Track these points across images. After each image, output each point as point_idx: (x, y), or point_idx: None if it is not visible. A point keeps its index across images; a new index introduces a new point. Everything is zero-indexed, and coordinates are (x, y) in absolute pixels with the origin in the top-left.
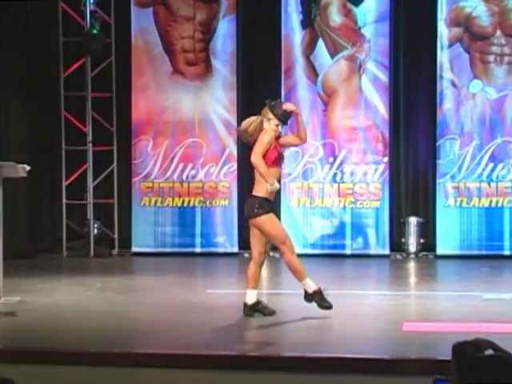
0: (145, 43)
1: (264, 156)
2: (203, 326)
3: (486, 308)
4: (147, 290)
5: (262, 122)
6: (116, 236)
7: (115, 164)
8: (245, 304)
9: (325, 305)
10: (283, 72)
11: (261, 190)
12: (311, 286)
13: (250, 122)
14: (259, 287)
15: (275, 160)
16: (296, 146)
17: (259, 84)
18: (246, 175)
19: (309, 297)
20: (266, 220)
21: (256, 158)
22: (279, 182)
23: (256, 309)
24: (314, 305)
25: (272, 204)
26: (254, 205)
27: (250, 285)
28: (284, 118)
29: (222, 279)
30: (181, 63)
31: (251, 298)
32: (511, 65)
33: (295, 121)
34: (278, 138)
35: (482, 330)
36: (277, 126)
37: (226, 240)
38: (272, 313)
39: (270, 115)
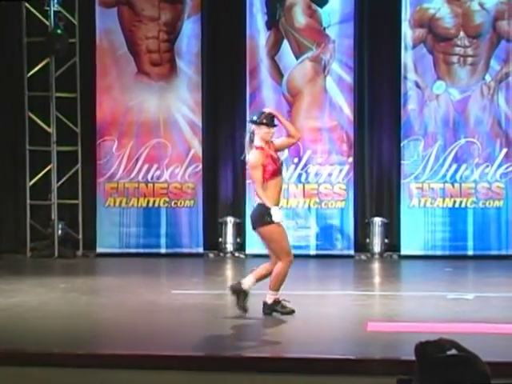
0: (109, 43)
1: (263, 173)
2: (168, 327)
3: (450, 308)
4: (112, 291)
5: (252, 141)
6: (80, 237)
7: (80, 164)
8: (266, 300)
9: (286, 311)
10: (248, 73)
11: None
12: (271, 298)
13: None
14: (222, 288)
15: (274, 172)
16: (292, 144)
17: (224, 84)
18: (211, 176)
19: (269, 307)
20: (274, 229)
21: (257, 189)
22: (281, 189)
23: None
24: None
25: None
26: (263, 213)
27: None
28: (270, 120)
29: (187, 280)
30: (145, 64)
31: (270, 298)
32: (474, 66)
33: (279, 123)
34: (272, 148)
35: (446, 329)
36: (268, 129)
37: (190, 241)
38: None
39: (258, 127)
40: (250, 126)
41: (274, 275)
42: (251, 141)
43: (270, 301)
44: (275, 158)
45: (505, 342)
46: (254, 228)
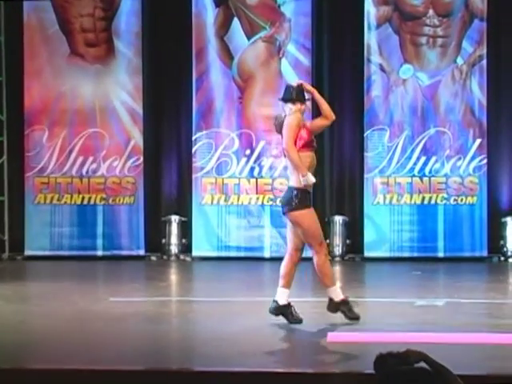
0: (39, 21)
1: (295, 140)
2: (105, 339)
3: (418, 316)
4: (42, 299)
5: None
6: (6, 238)
7: (5, 157)
8: (275, 302)
9: (352, 316)
10: (194, 54)
11: (299, 180)
12: (339, 295)
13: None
14: (165, 295)
15: (307, 143)
16: (326, 126)
17: (167, 68)
18: (153, 170)
19: (335, 306)
20: (306, 214)
21: (288, 145)
22: (314, 168)
23: (284, 312)
24: (229, 314)
25: (310, 197)
26: (292, 196)
27: (282, 282)
28: (300, 94)
29: (127, 285)
30: (80, 44)
31: (282, 298)
32: (445, 47)
33: (314, 101)
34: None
35: (414, 340)
36: (295, 105)
37: (130, 242)
38: (299, 321)
39: (286, 105)
40: (282, 106)
41: (319, 271)
42: (281, 121)
43: (337, 299)
44: (310, 130)
45: (479, 353)
46: (284, 213)
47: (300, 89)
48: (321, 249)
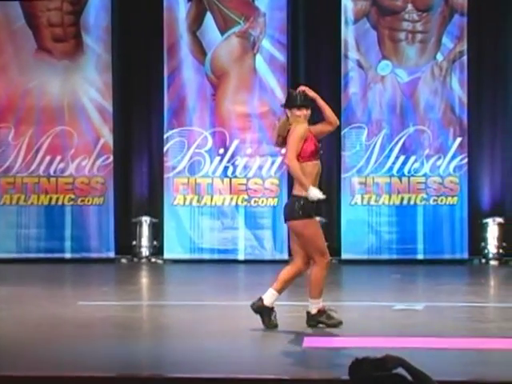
0: (4, 16)
1: (300, 151)
2: (74, 344)
3: (397, 320)
4: (8, 303)
5: (288, 121)
6: None
7: None
8: (261, 300)
9: (332, 323)
10: (166, 50)
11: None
12: (316, 308)
13: (277, 125)
14: (136, 299)
15: (312, 153)
16: (329, 132)
17: (138, 64)
18: (123, 169)
19: (313, 319)
20: (308, 224)
21: (289, 158)
22: (320, 176)
23: (263, 313)
24: (202, 318)
25: (316, 206)
26: (296, 206)
27: (275, 285)
28: (305, 99)
29: (96, 289)
30: (47, 39)
31: (269, 300)
32: (424, 43)
33: (317, 107)
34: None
35: (392, 345)
36: (299, 111)
37: (100, 244)
38: (274, 326)
39: (289, 111)
40: (285, 112)
41: (312, 281)
42: (286, 127)
43: (313, 311)
44: (315, 139)
45: (459, 359)
46: (285, 221)
47: (304, 94)
48: (321, 260)
